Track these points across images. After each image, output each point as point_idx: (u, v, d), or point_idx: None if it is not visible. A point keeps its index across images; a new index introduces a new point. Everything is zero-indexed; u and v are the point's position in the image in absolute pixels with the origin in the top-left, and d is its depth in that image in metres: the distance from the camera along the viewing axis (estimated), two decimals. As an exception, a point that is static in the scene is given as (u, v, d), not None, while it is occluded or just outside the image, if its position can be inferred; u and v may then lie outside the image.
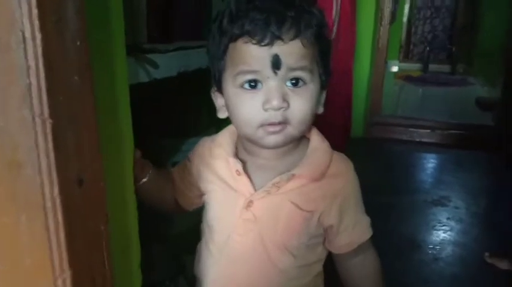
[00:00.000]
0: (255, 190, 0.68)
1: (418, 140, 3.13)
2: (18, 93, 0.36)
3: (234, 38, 0.62)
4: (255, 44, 0.60)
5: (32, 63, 0.35)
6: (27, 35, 0.34)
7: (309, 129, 0.71)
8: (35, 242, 0.38)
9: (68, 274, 0.39)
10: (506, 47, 3.22)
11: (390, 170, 2.56)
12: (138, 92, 0.67)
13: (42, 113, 0.36)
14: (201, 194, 0.76)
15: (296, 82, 0.63)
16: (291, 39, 0.60)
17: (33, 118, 0.36)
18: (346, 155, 0.75)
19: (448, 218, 1.96)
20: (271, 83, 0.61)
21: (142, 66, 0.75)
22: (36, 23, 0.34)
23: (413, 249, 1.70)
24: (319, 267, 0.75)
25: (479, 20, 5.51)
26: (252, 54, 0.61)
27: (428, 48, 6.61)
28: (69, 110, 0.39)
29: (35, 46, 0.35)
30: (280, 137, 0.64)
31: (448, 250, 1.70)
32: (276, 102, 0.60)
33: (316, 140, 0.71)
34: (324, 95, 0.70)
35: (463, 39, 6.26)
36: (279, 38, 0.59)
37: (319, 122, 0.72)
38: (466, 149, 2.87)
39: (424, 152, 2.93)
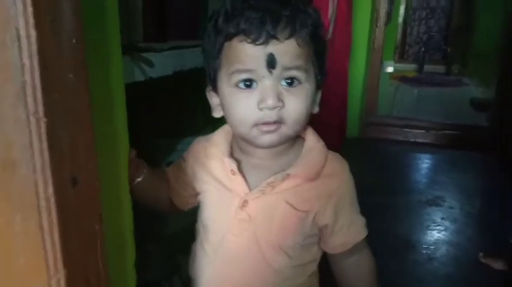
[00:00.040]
0: (250, 190, 0.68)
1: (413, 140, 3.14)
2: (13, 91, 0.35)
3: (229, 37, 0.61)
4: (250, 43, 0.60)
5: (26, 61, 0.35)
6: (22, 32, 0.34)
7: (304, 129, 0.71)
8: (29, 242, 0.38)
9: (62, 273, 0.39)
10: (501, 48, 3.24)
11: (385, 170, 2.57)
12: (133, 91, 0.67)
13: (36, 112, 0.36)
14: (196, 194, 0.76)
15: (291, 82, 0.63)
16: (286, 39, 0.60)
17: (28, 117, 0.36)
18: (341, 155, 0.75)
19: (442, 218, 1.96)
20: (266, 82, 0.61)
21: (138, 65, 0.75)
22: (31, 20, 0.34)
23: (407, 249, 1.70)
24: (314, 267, 0.75)
25: (475, 21, 5.54)
26: (247, 53, 0.60)
27: (423, 49, 6.64)
28: (64, 109, 0.39)
29: (29, 44, 0.35)
30: (275, 136, 0.64)
31: (443, 250, 1.71)
32: (271, 101, 0.60)
33: (312, 139, 0.71)
34: (319, 94, 0.70)
35: (458, 40, 6.29)
36: (274, 37, 0.59)
37: (314, 122, 0.72)
38: (461, 149, 2.88)
39: (419, 152, 2.94)
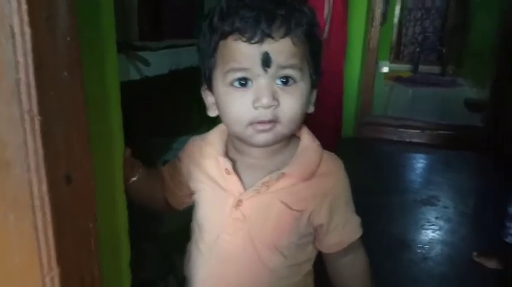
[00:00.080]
0: (245, 189, 0.68)
1: (408, 140, 3.16)
2: (7, 89, 0.35)
3: (225, 36, 0.61)
4: (245, 41, 0.59)
5: (21, 58, 0.35)
6: (17, 30, 0.34)
7: (299, 129, 0.71)
8: (23, 241, 0.38)
9: (56, 272, 0.38)
10: (496, 48, 3.26)
11: (380, 170, 2.58)
12: (129, 89, 0.66)
13: (31, 110, 0.36)
14: (191, 193, 0.76)
15: (286, 80, 0.62)
16: (281, 37, 0.60)
17: (22, 115, 0.35)
18: (336, 154, 0.75)
19: (436, 218, 1.98)
20: (262, 81, 0.61)
21: (133, 63, 0.75)
22: (26, 18, 0.34)
23: (402, 248, 1.71)
24: (309, 266, 0.75)
25: (470, 21, 5.57)
26: (242, 52, 0.60)
27: (418, 49, 6.67)
28: (59, 107, 0.38)
29: (24, 42, 0.34)
30: (270, 135, 0.64)
31: (437, 249, 1.72)
32: (266, 100, 0.60)
33: (307, 139, 0.71)
34: (314, 94, 0.70)
35: (453, 41, 6.32)
36: (269, 35, 0.59)
37: (310, 121, 0.72)
38: (455, 149, 2.90)
39: (414, 152, 2.96)
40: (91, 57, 0.51)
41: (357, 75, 3.06)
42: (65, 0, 0.38)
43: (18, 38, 0.34)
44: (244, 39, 0.59)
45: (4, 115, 0.36)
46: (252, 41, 0.59)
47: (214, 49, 0.64)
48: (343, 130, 2.85)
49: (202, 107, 0.72)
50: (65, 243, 0.40)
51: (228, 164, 0.68)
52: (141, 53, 0.79)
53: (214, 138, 0.73)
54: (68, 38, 0.39)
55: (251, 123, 0.62)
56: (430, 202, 2.14)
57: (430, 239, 1.80)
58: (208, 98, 0.70)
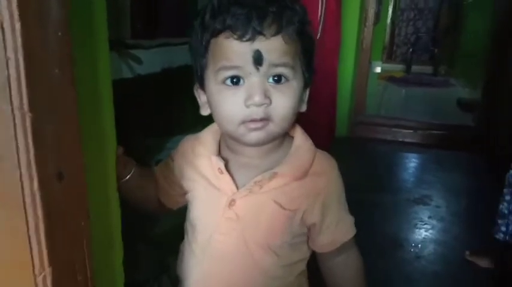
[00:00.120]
0: (238, 189, 0.67)
1: (400, 139, 3.17)
2: (-3, 85, 0.35)
3: (216, 33, 0.61)
4: (237, 39, 0.59)
5: (11, 54, 0.34)
6: (6, 25, 0.33)
7: (293, 128, 0.71)
8: (14, 239, 0.37)
9: (48, 271, 0.38)
10: (488, 48, 3.28)
11: (373, 169, 2.58)
12: (121, 87, 0.66)
13: (21, 106, 0.35)
14: (184, 193, 0.76)
15: (278, 79, 0.62)
16: (273, 35, 0.60)
17: (12, 111, 0.35)
18: (330, 154, 0.75)
19: (429, 217, 1.98)
20: (253, 79, 0.61)
21: (126, 61, 0.74)
22: (16, 13, 0.33)
23: (395, 247, 1.71)
24: (302, 266, 0.75)
25: (462, 22, 5.61)
26: (233, 50, 0.60)
27: (411, 49, 6.70)
28: (50, 103, 0.38)
29: (14, 37, 0.34)
30: (262, 133, 0.63)
31: (430, 248, 1.73)
32: (258, 98, 0.60)
33: (300, 138, 0.71)
34: (307, 93, 0.70)
35: (445, 41, 6.36)
36: (261, 33, 0.59)
37: (303, 120, 0.72)
38: (447, 149, 2.92)
39: (407, 151, 2.97)
40: (83, 54, 0.51)
41: (350, 75, 3.06)
42: (56, -6, 0.38)
43: (8, 33, 0.34)
44: (235, 36, 0.59)
45: (-6, 112, 0.35)
46: (244, 39, 0.59)
47: (206, 47, 0.63)
48: (336, 130, 2.86)
49: (196, 106, 0.72)
50: (57, 241, 0.39)
51: (220, 164, 0.68)
52: (133, 51, 0.78)
53: (207, 137, 0.73)
54: (59, 34, 0.38)
55: (243, 122, 0.62)
56: (422, 201, 2.15)
57: (423, 238, 1.80)
58: (201, 97, 0.70)
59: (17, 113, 0.35)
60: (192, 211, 0.74)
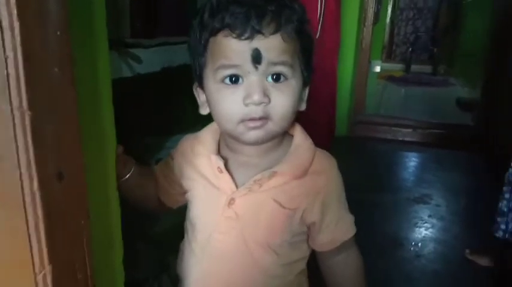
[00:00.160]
0: (237, 188, 0.67)
1: (400, 139, 3.18)
2: (-4, 84, 0.34)
3: (215, 32, 0.61)
4: (235, 37, 0.59)
5: (10, 53, 0.34)
6: (5, 24, 0.33)
7: (292, 127, 0.71)
8: (14, 238, 0.37)
9: (48, 269, 0.38)
10: (487, 48, 3.28)
11: (373, 168, 2.58)
12: (121, 86, 0.66)
13: (21, 105, 0.35)
14: (184, 192, 0.76)
15: (277, 77, 0.62)
16: (272, 34, 0.60)
17: (12, 110, 0.35)
18: (330, 153, 0.74)
19: (429, 216, 1.98)
20: (252, 78, 0.61)
21: (125, 60, 0.74)
22: (15, 12, 0.33)
23: (395, 246, 1.72)
24: (302, 265, 0.75)
25: (461, 22, 5.61)
26: (232, 48, 0.60)
27: (410, 49, 6.70)
28: (49, 103, 0.38)
29: (13, 36, 0.34)
30: (261, 132, 0.63)
31: (430, 247, 1.73)
32: (256, 96, 0.60)
33: (300, 137, 0.71)
34: (306, 91, 0.70)
35: (444, 41, 6.36)
36: (259, 32, 0.59)
37: (303, 120, 0.71)
38: (447, 148, 2.92)
39: (406, 150, 2.97)
40: (82, 54, 0.51)
41: (349, 75, 3.06)
42: (55, -6, 0.38)
43: (7, 32, 0.34)
44: (234, 35, 0.59)
45: (-7, 111, 0.35)
46: (242, 37, 0.59)
47: (205, 46, 0.63)
48: (336, 129, 2.85)
49: (195, 105, 0.72)
50: (57, 240, 0.39)
51: (220, 163, 0.68)
52: (133, 50, 0.78)
53: (207, 136, 0.73)
54: (59, 33, 0.38)
55: (242, 121, 0.62)
56: (422, 200, 2.15)
57: (423, 237, 1.80)
58: (200, 96, 0.70)
59: (16, 112, 0.35)
60: (191, 210, 0.74)
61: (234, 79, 0.62)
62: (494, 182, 1.64)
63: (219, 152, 0.71)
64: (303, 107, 0.70)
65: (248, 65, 0.60)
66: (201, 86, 0.68)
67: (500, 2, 3.03)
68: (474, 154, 2.77)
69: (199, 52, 0.65)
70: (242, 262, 0.69)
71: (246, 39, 0.59)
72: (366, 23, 3.13)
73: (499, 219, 1.51)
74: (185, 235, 0.76)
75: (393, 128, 3.21)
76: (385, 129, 3.21)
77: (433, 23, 6.99)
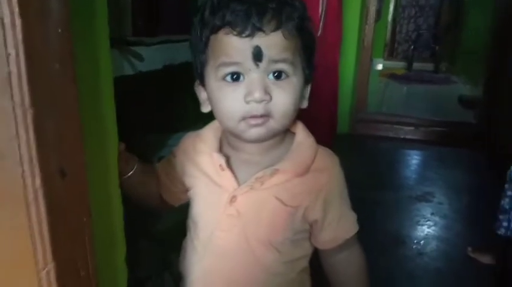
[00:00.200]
0: (239, 185, 0.67)
1: (402, 136, 3.17)
2: (-2, 81, 0.34)
3: (215, 30, 0.61)
4: (236, 35, 0.59)
5: (11, 50, 0.34)
6: (7, 21, 0.33)
7: (293, 124, 0.71)
8: (17, 235, 0.37)
9: (51, 266, 0.38)
10: (489, 45, 3.27)
11: (375, 166, 2.58)
12: (122, 84, 0.66)
13: (23, 103, 0.35)
14: (186, 190, 0.76)
15: (279, 75, 0.62)
16: (272, 31, 0.60)
17: (14, 107, 0.35)
18: (332, 151, 0.74)
19: (432, 214, 1.98)
20: (253, 75, 0.61)
21: (127, 58, 0.74)
22: (16, 9, 0.33)
23: (397, 244, 1.71)
24: (304, 263, 0.75)
25: (463, 19, 5.59)
26: (233, 46, 0.60)
27: (412, 46, 6.69)
28: (51, 100, 0.38)
29: (14, 33, 0.34)
30: (263, 130, 0.63)
31: (432, 245, 1.73)
32: (258, 94, 0.60)
33: (302, 135, 0.71)
34: (308, 89, 0.70)
35: (446, 38, 6.35)
36: (260, 29, 0.59)
37: (305, 117, 0.71)
38: (449, 146, 2.91)
39: (408, 148, 2.97)
40: (84, 51, 0.51)
41: (351, 73, 3.06)
42: (56, -9, 0.38)
43: (8, 29, 0.34)
44: (235, 33, 0.59)
45: (-5, 108, 0.35)
46: (243, 35, 0.59)
47: (206, 44, 0.63)
48: (338, 127, 2.85)
49: (197, 103, 0.72)
50: (60, 237, 0.39)
51: (222, 160, 0.68)
52: (135, 48, 0.78)
53: (208, 134, 0.73)
54: (60, 30, 0.38)
55: (243, 118, 0.62)
56: (425, 198, 2.15)
57: (425, 235, 1.80)
58: (202, 94, 0.70)
59: (18, 110, 0.35)
60: (194, 208, 0.74)
61: (235, 77, 0.62)
62: (496, 180, 1.64)
63: (220, 150, 0.71)
64: (305, 104, 0.70)
65: (249, 62, 0.60)
66: (203, 83, 0.68)
67: (502, 0, 3.02)
68: (476, 152, 2.76)
69: (201, 50, 0.65)
70: (244, 259, 0.69)
71: (246, 36, 0.59)
72: (368, 21, 3.13)
73: (501, 217, 1.50)
74: (187, 233, 0.77)
75: (395, 126, 3.20)
76: (387, 127, 3.21)
77: (435, 20, 6.98)
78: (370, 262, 0.77)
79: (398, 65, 6.58)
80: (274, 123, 0.63)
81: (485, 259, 1.59)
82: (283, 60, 0.62)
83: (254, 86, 0.60)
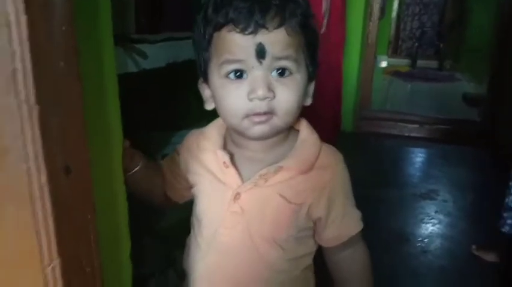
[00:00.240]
0: (243, 182, 0.67)
1: (406, 134, 3.17)
2: (3, 79, 0.35)
3: (219, 27, 0.61)
4: (239, 32, 0.59)
5: (17, 48, 0.34)
6: (12, 18, 0.33)
7: (297, 121, 0.71)
8: (23, 231, 0.38)
9: (57, 262, 0.38)
10: (493, 43, 3.26)
11: (379, 164, 2.58)
12: (126, 82, 0.66)
13: (28, 100, 0.35)
14: (190, 187, 0.76)
15: (282, 72, 0.62)
16: (275, 28, 0.59)
17: (19, 104, 0.35)
18: (336, 148, 0.74)
19: (436, 212, 1.98)
20: (256, 73, 0.61)
21: (131, 56, 0.74)
22: (21, 6, 0.33)
23: (401, 242, 1.71)
24: (308, 260, 0.74)
25: (467, 17, 5.57)
26: (236, 43, 0.60)
27: (416, 44, 6.67)
28: (55, 96, 0.38)
29: (19, 30, 0.34)
30: (266, 127, 0.63)
31: (436, 243, 1.72)
32: (261, 91, 0.60)
33: (306, 132, 0.71)
34: (312, 86, 0.70)
35: (450, 36, 6.32)
36: (263, 26, 0.58)
37: (308, 115, 0.71)
38: (453, 143, 2.91)
39: (412, 146, 2.96)
40: (88, 49, 0.51)
41: (355, 70, 3.05)
42: (60, -12, 0.38)
43: (13, 26, 0.34)
44: (238, 30, 0.59)
45: (1, 105, 0.35)
46: (246, 32, 0.59)
47: (209, 41, 0.63)
48: (341, 124, 2.85)
49: (200, 100, 0.72)
50: (64, 234, 0.39)
51: (226, 157, 0.68)
52: (138, 46, 0.78)
53: (212, 132, 0.73)
54: (64, 27, 0.38)
55: (247, 116, 0.62)
56: (429, 196, 2.15)
57: (430, 232, 1.80)
58: (205, 91, 0.70)
59: (23, 106, 0.35)
60: (197, 205, 0.74)
61: (238, 74, 0.62)
62: (500, 178, 1.63)
63: (224, 147, 0.71)
64: (309, 102, 0.69)
65: (252, 59, 0.60)
66: (206, 81, 0.68)
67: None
68: (480, 150, 2.76)
69: (204, 47, 0.64)
70: (248, 256, 0.69)
71: (249, 33, 0.59)
72: (372, 18, 3.12)
73: (505, 214, 1.50)
74: (191, 230, 0.77)
75: (399, 124, 3.20)
76: (391, 125, 3.20)
77: (439, 18, 6.95)
78: (374, 260, 0.77)
79: (402, 63, 6.56)
80: (278, 121, 0.63)
81: (490, 257, 1.59)
82: (287, 57, 0.61)
83: (257, 84, 0.60)
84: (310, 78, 0.67)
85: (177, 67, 0.93)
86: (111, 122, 0.60)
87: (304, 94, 0.66)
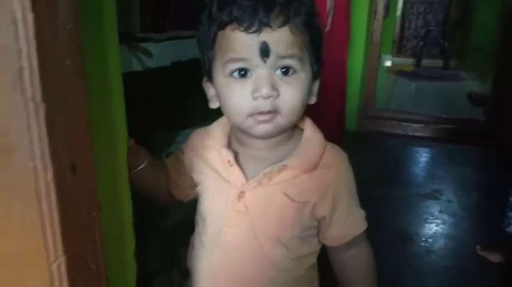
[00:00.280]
0: (247, 181, 0.67)
1: (411, 134, 3.16)
2: (10, 76, 0.35)
3: (223, 26, 0.61)
4: (243, 31, 0.59)
5: (23, 45, 0.34)
6: (18, 15, 0.33)
7: (302, 120, 0.71)
8: (29, 228, 0.38)
9: (62, 259, 0.38)
10: (498, 42, 3.24)
11: (383, 163, 2.57)
12: (131, 80, 0.66)
13: (34, 97, 0.35)
14: (195, 185, 0.76)
15: (286, 71, 0.62)
16: (280, 27, 0.59)
17: (26, 102, 0.35)
18: (340, 147, 0.74)
19: (440, 211, 1.97)
20: (261, 72, 0.61)
21: (136, 55, 0.75)
22: (28, 4, 0.33)
23: (405, 242, 1.71)
24: (313, 259, 0.75)
25: (472, 15, 5.55)
26: (240, 42, 0.60)
27: (421, 43, 6.65)
28: (61, 95, 0.38)
29: (26, 28, 0.34)
30: (271, 126, 0.63)
31: (440, 242, 1.72)
32: (265, 90, 0.60)
33: (310, 131, 0.71)
34: (316, 85, 0.70)
35: (455, 35, 6.30)
36: (267, 25, 0.58)
37: (313, 113, 0.71)
38: (458, 143, 2.90)
39: (417, 145, 2.95)
40: (93, 47, 0.51)
41: (359, 69, 3.05)
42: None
43: (20, 24, 0.34)
44: (242, 28, 0.59)
45: (7, 102, 0.35)
46: (250, 31, 0.59)
47: (213, 40, 0.63)
48: (346, 123, 2.84)
49: (205, 99, 0.72)
50: (70, 231, 0.40)
51: (230, 156, 0.68)
52: (143, 45, 0.78)
53: (217, 130, 0.73)
54: (68, 26, 0.38)
55: (251, 114, 0.62)
56: (433, 195, 2.14)
57: (434, 232, 1.80)
58: (210, 90, 0.70)
59: (30, 104, 0.35)
60: (202, 204, 0.74)
61: (243, 73, 0.62)
62: (505, 177, 1.63)
63: (229, 146, 0.71)
64: (313, 100, 0.69)
65: (256, 58, 0.60)
66: (210, 80, 0.68)
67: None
68: (485, 149, 2.75)
69: (208, 46, 0.64)
70: (252, 255, 0.69)
71: (253, 32, 0.59)
72: (377, 17, 3.11)
73: (510, 214, 1.49)
74: (196, 229, 0.77)
75: (403, 123, 3.19)
76: (395, 124, 3.19)
77: (444, 17, 6.93)
78: (378, 259, 0.77)
79: (407, 62, 6.54)
80: (282, 120, 0.63)
81: (494, 257, 1.58)
82: (291, 56, 0.61)
83: (261, 82, 0.60)
84: (314, 77, 0.67)
85: (182, 66, 0.93)
86: (116, 121, 0.60)
87: (309, 93, 0.66)
